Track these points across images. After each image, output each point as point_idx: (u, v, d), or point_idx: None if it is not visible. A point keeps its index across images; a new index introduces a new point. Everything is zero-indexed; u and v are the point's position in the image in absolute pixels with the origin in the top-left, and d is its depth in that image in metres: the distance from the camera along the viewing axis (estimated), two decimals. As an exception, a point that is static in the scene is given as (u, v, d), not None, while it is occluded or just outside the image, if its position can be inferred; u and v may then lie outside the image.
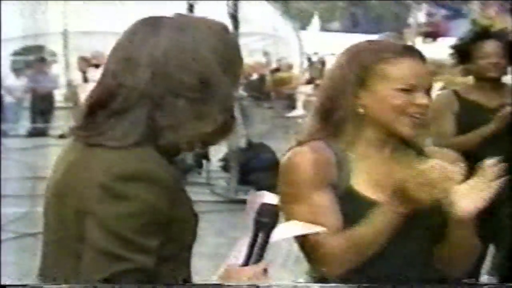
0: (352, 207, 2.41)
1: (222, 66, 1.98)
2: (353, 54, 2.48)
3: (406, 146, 2.49)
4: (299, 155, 2.45)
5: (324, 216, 2.37)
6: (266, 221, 2.04)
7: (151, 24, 2.00)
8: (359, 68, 2.44)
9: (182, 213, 1.97)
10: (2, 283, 2.14)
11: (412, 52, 2.47)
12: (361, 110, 2.45)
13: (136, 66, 1.95)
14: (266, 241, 2.03)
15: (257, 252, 2.02)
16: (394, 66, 2.43)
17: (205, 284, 2.04)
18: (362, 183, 2.44)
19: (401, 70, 2.42)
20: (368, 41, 2.55)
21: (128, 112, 1.94)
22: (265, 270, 2.00)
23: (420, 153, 2.51)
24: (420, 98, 2.42)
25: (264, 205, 2.06)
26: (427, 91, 2.45)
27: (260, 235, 2.03)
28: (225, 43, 2.01)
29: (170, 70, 1.94)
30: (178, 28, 1.98)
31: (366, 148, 2.47)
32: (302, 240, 2.41)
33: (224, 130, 2.03)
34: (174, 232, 1.95)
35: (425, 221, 2.40)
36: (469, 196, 2.29)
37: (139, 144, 1.91)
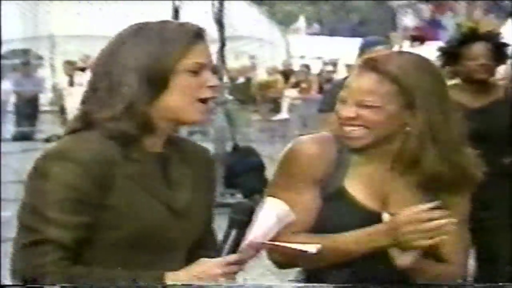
0: (339, 206, 2.42)
1: (139, 69, 2.06)
2: None
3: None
4: (298, 146, 2.46)
5: (298, 213, 2.35)
6: (238, 218, 2.08)
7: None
8: None
9: (121, 201, 2.03)
10: (2, 283, 2.19)
11: None
12: None
13: None
14: (238, 238, 2.06)
15: (228, 248, 2.06)
16: None
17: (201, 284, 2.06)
18: (355, 186, 2.44)
19: None
20: None
21: None
22: (238, 262, 2.04)
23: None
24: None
25: (238, 203, 2.12)
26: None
27: (233, 231, 2.07)
28: (152, 52, 2.07)
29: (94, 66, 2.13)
30: (122, 34, 2.12)
31: (368, 153, 2.44)
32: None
33: (141, 124, 2.08)
34: (108, 218, 2.02)
35: None
36: (405, 251, 2.30)
37: (78, 130, 2.07)
